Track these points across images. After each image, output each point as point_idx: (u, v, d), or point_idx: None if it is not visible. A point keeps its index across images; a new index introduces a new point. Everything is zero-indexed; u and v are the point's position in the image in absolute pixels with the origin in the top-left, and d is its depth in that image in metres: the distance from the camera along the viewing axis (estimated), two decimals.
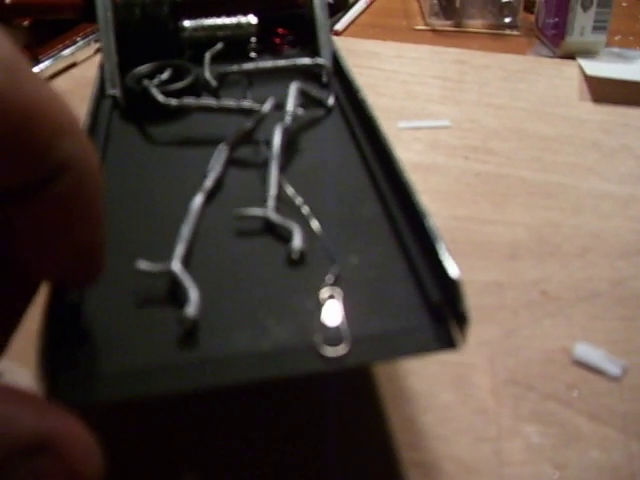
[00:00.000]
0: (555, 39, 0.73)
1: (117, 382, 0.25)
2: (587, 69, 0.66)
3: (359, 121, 0.40)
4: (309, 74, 0.46)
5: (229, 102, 0.41)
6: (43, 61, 0.72)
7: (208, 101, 0.41)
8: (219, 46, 0.50)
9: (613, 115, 0.61)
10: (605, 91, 0.64)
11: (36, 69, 0.69)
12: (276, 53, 0.52)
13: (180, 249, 0.30)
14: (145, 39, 0.48)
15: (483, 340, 0.39)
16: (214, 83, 0.45)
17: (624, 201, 0.50)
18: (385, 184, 0.34)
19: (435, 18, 0.81)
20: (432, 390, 0.36)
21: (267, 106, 0.39)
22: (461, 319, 0.25)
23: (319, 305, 0.27)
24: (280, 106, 0.40)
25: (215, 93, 0.45)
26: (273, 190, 0.34)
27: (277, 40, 0.53)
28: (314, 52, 0.49)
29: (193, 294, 0.27)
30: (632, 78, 0.63)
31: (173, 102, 0.41)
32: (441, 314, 0.26)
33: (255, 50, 0.51)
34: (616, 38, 0.78)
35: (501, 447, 0.34)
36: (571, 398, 0.36)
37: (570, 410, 0.36)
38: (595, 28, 0.70)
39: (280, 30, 0.53)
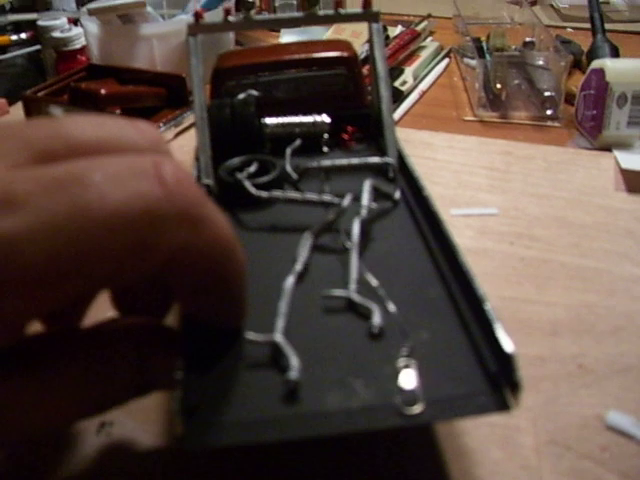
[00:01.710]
0: (593, 132, 0.80)
1: (236, 430, 0.32)
2: (622, 162, 0.72)
3: (423, 213, 0.48)
4: (377, 170, 0.53)
5: (312, 196, 0.49)
6: None
7: (294, 194, 0.49)
8: (298, 142, 0.57)
9: None
10: (639, 182, 0.70)
11: None
12: (345, 148, 0.60)
13: (281, 323, 0.37)
14: (234, 135, 0.55)
15: (527, 406, 0.45)
16: (295, 176, 0.53)
17: None
18: (447, 269, 0.42)
19: (483, 110, 0.89)
20: (483, 447, 0.43)
21: (346, 201, 0.47)
22: (515, 387, 0.32)
23: (396, 372, 0.34)
24: (355, 199, 0.48)
25: (295, 185, 0.53)
26: (354, 274, 0.41)
27: (345, 136, 0.60)
28: (380, 149, 0.57)
29: (294, 361, 0.34)
30: None
31: (264, 194, 0.49)
32: (498, 382, 0.33)
33: (327, 145, 0.59)
34: None
35: None
36: (604, 458, 0.42)
37: (603, 468, 0.41)
38: (629, 123, 0.77)
39: (349, 128, 0.61)
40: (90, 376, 0.30)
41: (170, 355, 0.34)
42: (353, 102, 0.64)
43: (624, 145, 0.78)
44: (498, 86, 0.88)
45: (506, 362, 0.32)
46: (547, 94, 0.88)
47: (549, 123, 0.87)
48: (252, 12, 0.54)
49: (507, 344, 0.33)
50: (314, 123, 0.58)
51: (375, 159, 0.53)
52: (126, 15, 1.05)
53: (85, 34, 1.07)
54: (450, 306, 0.39)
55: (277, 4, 1.26)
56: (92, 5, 1.07)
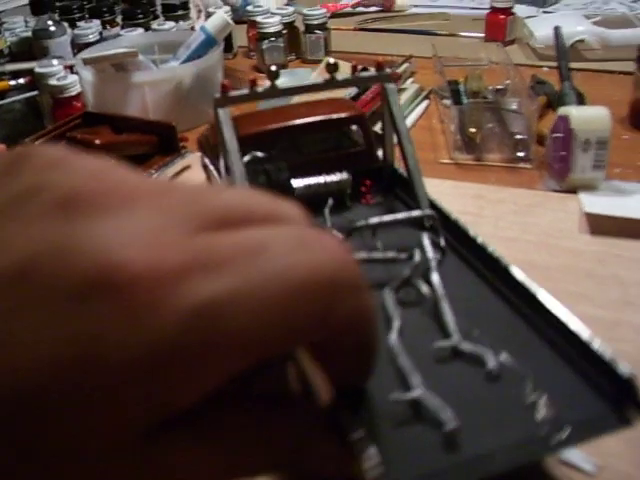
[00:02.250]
0: (561, 174, 0.84)
1: None
2: (585, 205, 0.77)
3: (478, 258, 0.52)
4: (414, 223, 0.56)
5: (377, 254, 0.53)
6: None
7: (360, 254, 0.52)
8: (330, 202, 0.60)
9: (607, 246, 0.72)
10: (601, 225, 0.75)
11: None
12: (365, 202, 0.63)
13: (416, 379, 0.40)
14: None
15: None
16: (341, 236, 0.54)
17: (610, 324, 0.61)
18: (526, 308, 0.46)
19: (458, 152, 0.94)
20: None
21: (417, 256, 0.51)
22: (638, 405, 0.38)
23: (530, 407, 0.38)
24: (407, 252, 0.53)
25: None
26: (452, 324, 0.45)
27: (364, 189, 0.64)
28: (404, 201, 0.61)
29: (448, 412, 0.37)
30: (624, 215, 0.75)
31: None
32: (618, 402, 0.38)
33: (350, 200, 0.62)
34: (616, 171, 0.89)
35: None
36: None
37: None
38: (594, 167, 0.82)
39: (367, 182, 0.64)
40: (253, 439, 0.31)
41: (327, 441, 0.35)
42: (365, 158, 0.68)
43: (589, 187, 0.83)
44: (473, 130, 0.93)
45: (626, 383, 0.38)
46: (519, 137, 0.93)
47: (521, 165, 0.92)
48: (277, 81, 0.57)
49: (625, 368, 0.38)
50: (339, 182, 0.61)
51: (417, 212, 0.56)
52: (119, 63, 1.09)
53: (80, 81, 1.12)
54: (543, 344, 0.44)
55: (264, 47, 1.31)
56: (86, 54, 1.12)
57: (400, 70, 1.18)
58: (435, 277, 0.49)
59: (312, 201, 0.59)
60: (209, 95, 0.61)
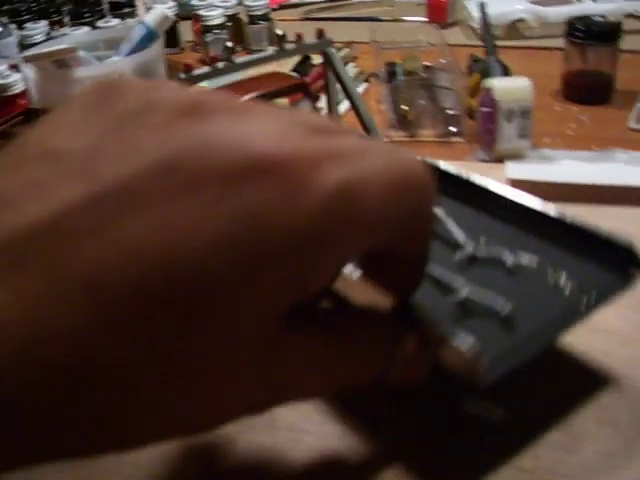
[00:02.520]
0: (489, 145, 0.87)
1: (505, 360, 0.41)
2: (508, 172, 0.79)
3: (451, 186, 0.58)
4: None
5: None
6: None
7: None
8: None
9: None
10: (523, 190, 0.77)
11: None
12: None
13: (458, 281, 0.47)
14: None
15: None
16: None
17: None
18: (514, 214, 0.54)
19: (392, 130, 0.96)
20: None
21: None
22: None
23: (553, 288, 0.47)
24: None
25: None
26: (462, 237, 0.52)
27: None
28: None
29: (498, 300, 0.45)
30: (545, 179, 0.77)
31: None
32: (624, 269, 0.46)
33: None
34: (546, 140, 0.92)
35: None
36: None
37: None
38: (519, 136, 0.84)
39: None
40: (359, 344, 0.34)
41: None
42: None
43: (517, 156, 0.85)
44: (405, 107, 0.95)
45: (627, 250, 0.46)
46: (451, 112, 0.95)
47: (454, 139, 0.94)
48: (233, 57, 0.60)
49: (624, 239, 0.47)
50: None
51: None
52: (61, 60, 1.11)
53: (25, 79, 1.13)
54: (544, 241, 0.51)
55: (208, 39, 1.33)
56: (28, 52, 1.13)
57: (340, 55, 1.20)
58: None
59: None
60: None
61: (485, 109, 0.87)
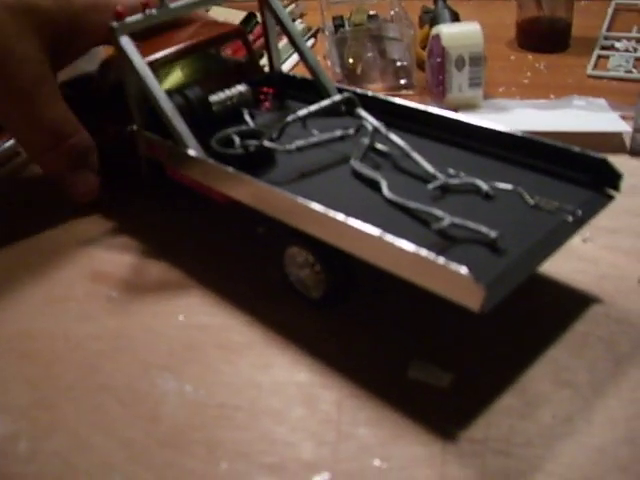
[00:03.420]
0: (440, 96, 0.82)
1: (502, 283, 0.41)
2: None
3: (400, 121, 0.58)
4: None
5: (326, 135, 0.56)
6: None
7: (314, 138, 0.56)
8: (246, 110, 0.62)
9: None
10: None
11: None
12: (266, 109, 0.65)
13: (438, 211, 0.46)
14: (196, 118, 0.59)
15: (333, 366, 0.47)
16: (275, 134, 0.56)
17: None
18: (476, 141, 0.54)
19: (339, 84, 0.90)
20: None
21: (369, 125, 0.55)
22: (617, 177, 0.47)
23: (533, 208, 0.47)
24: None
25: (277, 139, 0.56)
26: (431, 168, 0.51)
27: (262, 97, 0.66)
28: (310, 96, 0.63)
29: (482, 226, 0.44)
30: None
31: (294, 146, 0.54)
32: (599, 185, 0.48)
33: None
34: (500, 90, 0.87)
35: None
36: (403, 405, 0.44)
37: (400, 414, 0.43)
38: (471, 85, 0.79)
39: (264, 89, 0.66)
40: None
41: None
42: (251, 69, 0.69)
43: (469, 106, 0.80)
44: (351, 60, 0.90)
45: (603, 165, 0.47)
46: (399, 64, 0.90)
47: (404, 92, 0.89)
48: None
49: (597, 154, 0.48)
50: (241, 93, 0.62)
51: (338, 96, 0.59)
52: None
53: None
54: (512, 166, 0.52)
55: None
56: None
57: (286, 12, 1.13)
58: (393, 136, 0.53)
59: (227, 113, 0.61)
60: None
61: (434, 59, 0.82)
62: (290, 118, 0.55)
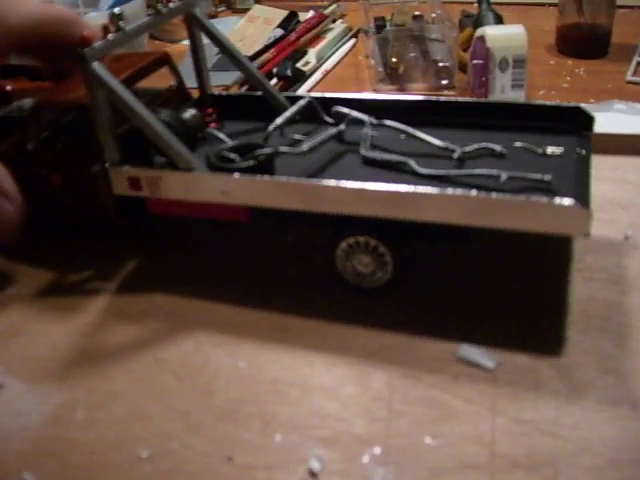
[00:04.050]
0: (482, 97, 0.83)
1: None
2: None
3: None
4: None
5: (323, 135, 0.56)
6: None
7: (318, 139, 0.56)
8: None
9: None
10: None
11: None
12: (216, 127, 0.63)
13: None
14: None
15: (386, 344, 0.48)
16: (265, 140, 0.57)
17: None
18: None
19: (382, 84, 0.92)
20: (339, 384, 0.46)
21: (362, 116, 0.59)
22: (590, 118, 0.55)
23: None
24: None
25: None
26: (440, 142, 0.55)
27: (209, 118, 0.64)
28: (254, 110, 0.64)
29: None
30: None
31: (306, 147, 0.54)
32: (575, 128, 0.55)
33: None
34: (540, 93, 0.88)
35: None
36: (452, 387, 0.45)
37: (450, 395, 0.45)
38: (514, 86, 0.80)
39: (208, 110, 0.65)
40: None
41: None
42: (180, 95, 0.67)
43: None
44: (394, 60, 0.91)
45: (577, 112, 0.56)
46: (441, 64, 0.91)
47: (445, 92, 0.90)
48: (122, 23, 0.53)
49: (571, 105, 0.56)
50: (193, 116, 0.61)
51: (304, 100, 0.61)
52: None
53: None
54: (497, 131, 0.56)
55: None
56: None
57: (327, 11, 1.15)
58: (391, 122, 0.57)
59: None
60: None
61: (477, 61, 0.83)
62: (271, 127, 0.57)
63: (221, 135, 0.59)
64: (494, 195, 0.45)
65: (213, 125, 0.64)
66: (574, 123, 0.55)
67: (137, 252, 0.63)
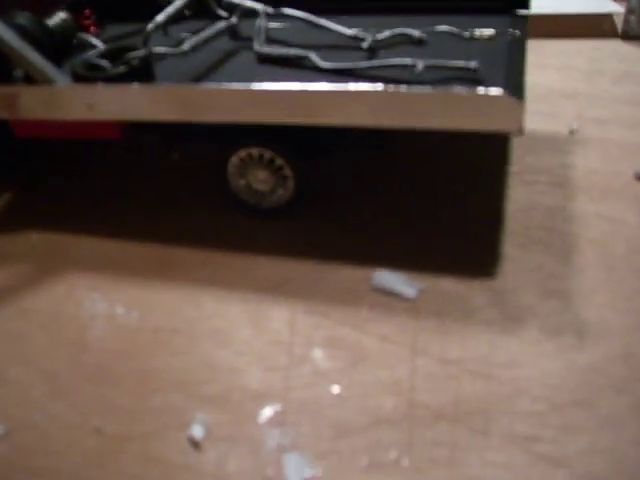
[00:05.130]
0: None
1: None
2: None
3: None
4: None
5: (210, 31, 0.49)
6: None
7: (201, 36, 0.48)
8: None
9: None
10: None
11: None
12: (94, 32, 0.55)
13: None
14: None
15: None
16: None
17: None
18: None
19: None
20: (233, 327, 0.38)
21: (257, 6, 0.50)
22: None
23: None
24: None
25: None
26: (349, 30, 0.47)
27: (86, 22, 0.56)
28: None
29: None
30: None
31: (187, 47, 0.47)
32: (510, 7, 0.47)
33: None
34: None
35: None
36: (364, 322, 0.38)
37: (361, 333, 0.37)
38: None
39: (85, 12, 0.56)
40: None
41: None
42: None
43: None
44: None
45: None
46: None
47: None
48: None
49: None
50: (63, 20, 0.53)
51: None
52: None
53: None
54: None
55: None
56: None
57: None
58: (290, 10, 0.49)
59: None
60: None
61: None
62: (151, 26, 0.47)
63: (94, 40, 0.51)
64: (404, 88, 0.37)
65: (92, 30, 0.55)
66: (508, 1, 0.47)
67: (10, 184, 0.54)
